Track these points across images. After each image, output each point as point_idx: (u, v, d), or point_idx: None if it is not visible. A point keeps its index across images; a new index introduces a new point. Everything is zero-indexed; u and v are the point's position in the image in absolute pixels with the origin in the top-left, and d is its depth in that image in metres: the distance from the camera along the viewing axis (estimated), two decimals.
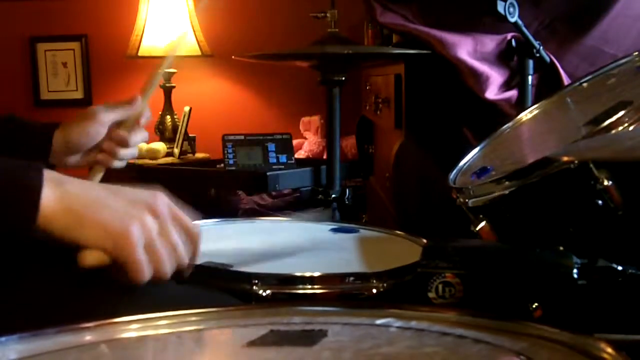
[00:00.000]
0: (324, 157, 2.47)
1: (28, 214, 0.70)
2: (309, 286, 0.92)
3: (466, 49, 1.70)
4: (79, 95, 3.43)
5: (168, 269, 0.76)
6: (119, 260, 0.73)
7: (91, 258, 0.74)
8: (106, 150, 1.14)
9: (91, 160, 1.15)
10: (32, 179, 0.71)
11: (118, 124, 1.14)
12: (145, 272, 0.74)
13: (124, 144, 1.14)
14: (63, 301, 0.78)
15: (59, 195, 0.72)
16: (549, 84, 1.65)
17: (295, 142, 2.80)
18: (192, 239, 0.80)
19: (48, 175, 0.72)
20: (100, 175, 1.15)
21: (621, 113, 0.91)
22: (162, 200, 0.77)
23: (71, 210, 0.72)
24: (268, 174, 2.21)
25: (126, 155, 1.16)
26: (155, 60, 3.12)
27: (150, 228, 0.75)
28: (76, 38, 3.41)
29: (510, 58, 1.69)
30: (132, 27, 3.14)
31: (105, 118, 1.13)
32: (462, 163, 1.22)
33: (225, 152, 2.35)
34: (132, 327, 0.66)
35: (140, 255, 0.73)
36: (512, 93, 1.69)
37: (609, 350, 0.53)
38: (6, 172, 0.71)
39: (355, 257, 1.09)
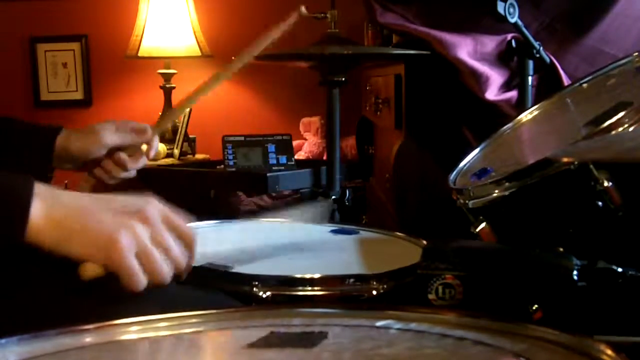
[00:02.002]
0: (324, 158, 2.47)
1: (17, 228, 0.70)
2: (309, 288, 0.92)
3: (466, 49, 1.70)
4: (79, 95, 3.43)
5: (165, 273, 0.75)
6: (112, 269, 0.73)
7: (90, 271, 0.74)
8: (104, 167, 1.15)
9: (86, 170, 1.16)
10: (22, 192, 0.71)
11: (122, 147, 1.15)
12: (140, 279, 0.73)
13: (122, 167, 1.15)
14: (63, 303, 0.78)
15: (48, 209, 0.72)
16: (549, 85, 1.65)
17: (295, 143, 2.80)
18: (187, 241, 0.80)
19: (37, 189, 0.72)
20: (90, 185, 1.16)
21: (621, 114, 0.91)
22: (152, 206, 0.77)
23: (60, 224, 0.72)
24: (268, 175, 2.21)
25: (121, 176, 1.16)
26: (155, 61, 3.13)
27: (141, 235, 0.74)
28: (76, 38, 3.40)
29: (510, 58, 1.69)
30: (132, 27, 3.14)
31: (109, 140, 1.14)
32: (462, 164, 1.22)
33: (225, 153, 2.35)
34: (132, 329, 0.66)
35: (131, 262, 0.73)
36: (512, 94, 1.68)
37: (609, 352, 0.53)
38: None
39: (355, 259, 1.09)
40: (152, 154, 1.19)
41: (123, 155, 1.15)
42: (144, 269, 0.74)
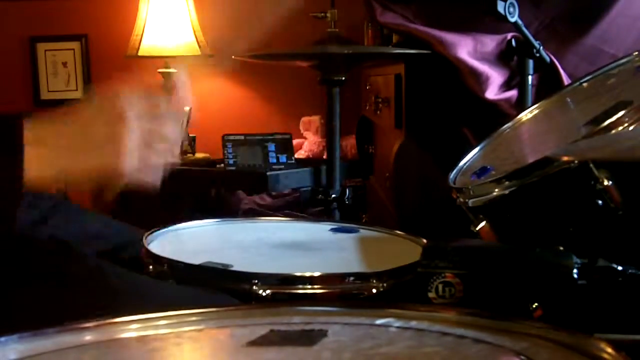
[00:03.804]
0: (324, 157, 2.47)
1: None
2: (309, 286, 0.92)
3: (466, 48, 1.70)
4: (79, 95, 3.43)
5: (168, 153, 0.80)
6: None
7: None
8: None
9: None
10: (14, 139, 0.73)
11: None
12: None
13: None
14: (63, 301, 0.78)
15: (40, 154, 0.74)
16: (549, 84, 1.65)
17: (295, 142, 2.80)
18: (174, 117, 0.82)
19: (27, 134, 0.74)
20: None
21: (621, 113, 0.91)
22: (125, 106, 0.79)
23: (57, 164, 0.75)
24: (268, 174, 2.21)
25: None
26: (155, 60, 3.13)
27: (134, 132, 0.76)
28: (76, 38, 3.40)
29: (510, 58, 1.68)
30: (132, 27, 3.14)
31: None
32: (462, 163, 1.22)
33: (226, 152, 2.35)
34: (132, 327, 0.66)
35: (141, 153, 0.76)
36: (512, 93, 1.68)
37: (609, 350, 0.53)
38: None
39: (355, 257, 1.09)
40: None
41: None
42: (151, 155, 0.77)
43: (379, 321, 0.65)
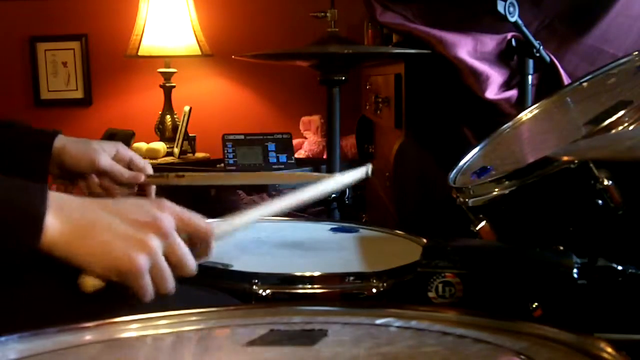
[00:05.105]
0: (324, 156, 2.47)
1: (31, 242, 0.69)
2: (309, 286, 0.92)
3: (466, 48, 1.70)
4: (79, 94, 3.43)
5: (171, 284, 0.75)
6: (125, 283, 0.72)
7: (90, 285, 0.72)
8: (88, 182, 1.16)
9: (69, 178, 1.16)
10: (36, 205, 0.70)
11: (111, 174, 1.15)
12: (149, 293, 0.73)
13: (105, 191, 1.16)
14: (63, 301, 0.78)
15: (62, 223, 0.71)
16: (549, 84, 1.65)
17: (295, 141, 2.80)
18: (204, 238, 0.80)
19: (51, 200, 0.71)
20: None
21: (621, 113, 0.91)
22: (166, 214, 0.76)
23: (75, 238, 0.71)
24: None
25: (99, 196, 1.15)
26: (155, 60, 3.12)
27: (156, 251, 0.73)
28: (76, 38, 3.40)
29: (510, 58, 1.69)
30: (132, 27, 3.14)
31: (102, 163, 1.13)
32: (462, 163, 1.22)
33: (225, 151, 2.35)
34: (132, 327, 0.66)
35: (146, 280, 0.72)
36: (512, 93, 1.69)
37: (609, 349, 0.53)
38: (8, 195, 0.70)
39: (355, 257, 1.09)
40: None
41: (108, 184, 1.15)
42: (153, 280, 0.73)
43: (379, 321, 0.65)
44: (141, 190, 1.19)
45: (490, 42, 1.70)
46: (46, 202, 0.70)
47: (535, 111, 1.34)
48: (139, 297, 0.72)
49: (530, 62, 1.62)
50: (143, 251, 0.72)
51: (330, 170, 2.05)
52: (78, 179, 1.16)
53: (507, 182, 0.97)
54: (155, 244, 0.73)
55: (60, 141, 1.12)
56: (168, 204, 0.77)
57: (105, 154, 1.14)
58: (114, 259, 0.71)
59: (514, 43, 1.66)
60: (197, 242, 0.79)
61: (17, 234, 0.69)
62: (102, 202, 0.78)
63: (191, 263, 0.77)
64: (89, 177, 1.15)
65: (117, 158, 1.16)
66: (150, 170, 1.18)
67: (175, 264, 0.75)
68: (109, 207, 0.76)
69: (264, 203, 0.95)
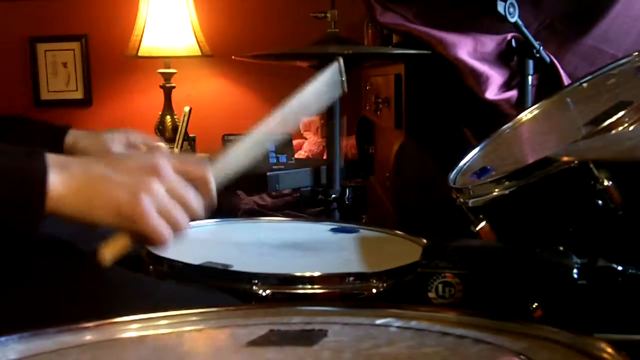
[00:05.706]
0: (324, 157, 2.47)
1: (36, 203, 0.70)
2: (309, 286, 0.92)
3: (466, 49, 1.70)
4: (79, 95, 3.43)
5: (185, 222, 0.76)
6: (137, 231, 0.74)
7: (110, 254, 0.74)
8: None
9: None
10: (36, 166, 0.71)
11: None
12: (165, 234, 0.74)
13: None
14: (63, 301, 0.78)
15: (65, 179, 0.72)
16: (549, 84, 1.65)
17: (295, 142, 2.80)
18: (203, 181, 0.80)
19: (51, 160, 0.72)
20: None
21: (621, 113, 0.91)
22: (163, 159, 0.77)
23: (79, 192, 0.72)
24: (268, 174, 2.20)
25: None
26: (155, 60, 3.12)
27: (158, 192, 0.75)
28: (76, 38, 3.40)
29: (510, 58, 1.68)
30: (132, 27, 3.14)
31: (115, 150, 1.14)
32: (462, 163, 1.22)
33: None
34: (132, 327, 0.66)
35: (156, 221, 0.74)
36: (512, 93, 1.68)
37: (609, 350, 0.53)
38: (8, 161, 0.71)
39: (355, 257, 1.09)
40: None
41: None
42: (166, 222, 0.74)
43: (379, 321, 0.65)
44: None
45: (490, 43, 1.70)
46: (46, 163, 0.71)
47: (535, 112, 1.34)
48: (156, 241, 0.74)
49: (530, 62, 1.62)
50: (145, 193, 0.73)
51: (330, 171, 2.05)
52: None
53: (507, 183, 0.97)
54: (156, 185, 0.75)
55: (72, 136, 1.13)
56: (163, 149, 0.79)
57: (117, 142, 1.14)
58: (119, 206, 0.73)
59: (514, 43, 1.66)
60: (196, 184, 0.80)
61: (23, 197, 0.70)
62: (100, 157, 0.83)
63: (196, 200, 0.78)
64: None
65: (129, 145, 1.16)
66: (165, 149, 1.19)
67: (180, 203, 0.76)
68: (107, 160, 0.78)
69: (253, 130, 0.96)
